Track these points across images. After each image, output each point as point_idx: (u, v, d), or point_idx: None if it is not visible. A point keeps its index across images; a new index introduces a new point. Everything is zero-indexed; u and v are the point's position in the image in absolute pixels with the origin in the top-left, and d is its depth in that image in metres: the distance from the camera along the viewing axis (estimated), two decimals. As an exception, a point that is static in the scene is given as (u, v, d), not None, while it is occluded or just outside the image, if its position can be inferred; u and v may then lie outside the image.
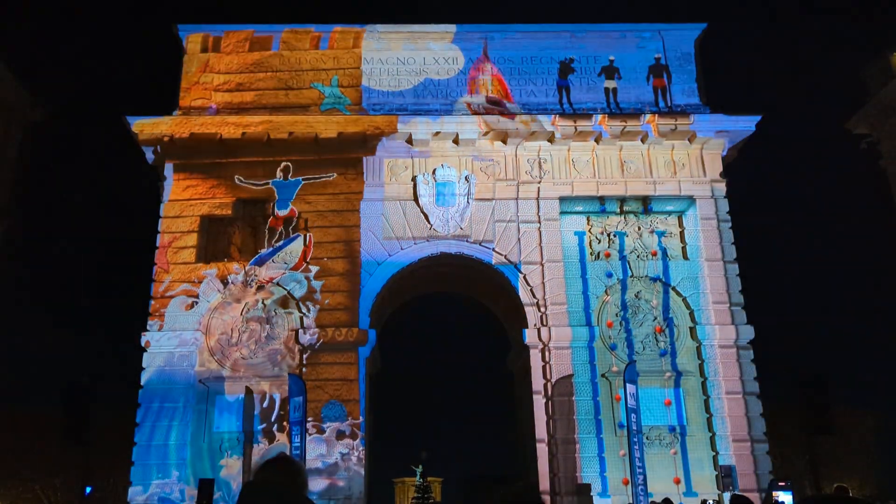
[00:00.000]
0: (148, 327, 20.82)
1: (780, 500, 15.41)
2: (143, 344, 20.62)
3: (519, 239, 21.95)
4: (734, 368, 20.81)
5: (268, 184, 22.08)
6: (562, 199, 22.20)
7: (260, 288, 21.30)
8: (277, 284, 21.34)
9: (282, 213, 21.92)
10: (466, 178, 22.32)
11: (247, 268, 21.37)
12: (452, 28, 23.90)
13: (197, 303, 21.06)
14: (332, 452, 20.14)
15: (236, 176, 22.11)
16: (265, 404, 20.42)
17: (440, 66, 23.62)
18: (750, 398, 20.62)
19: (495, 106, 22.82)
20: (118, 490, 25.46)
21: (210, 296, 21.16)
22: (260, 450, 19.76)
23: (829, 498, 5.38)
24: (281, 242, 21.76)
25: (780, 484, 16.45)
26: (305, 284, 21.36)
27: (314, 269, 21.49)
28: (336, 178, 22.20)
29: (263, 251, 21.59)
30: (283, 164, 22.23)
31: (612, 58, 23.47)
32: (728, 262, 21.81)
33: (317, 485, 19.52)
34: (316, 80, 23.30)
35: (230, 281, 21.27)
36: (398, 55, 23.74)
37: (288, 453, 17.12)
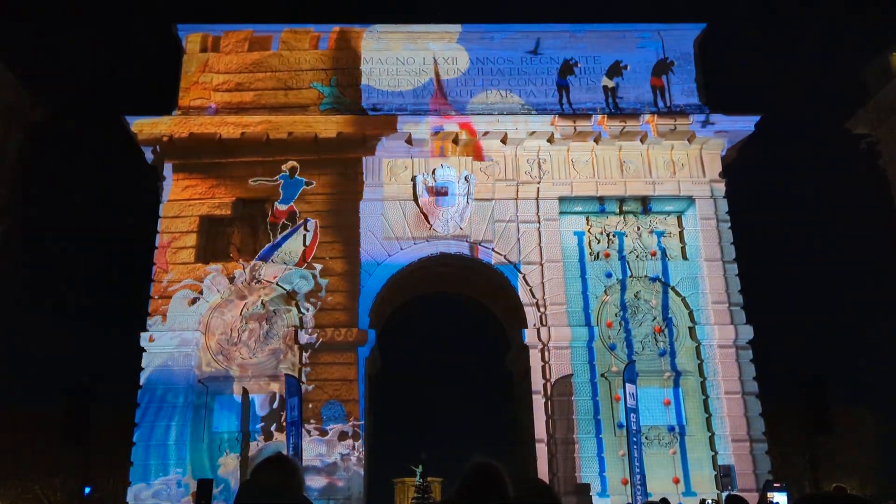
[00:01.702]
0: (148, 326, 20.81)
1: (775, 500, 15.39)
2: (142, 343, 20.61)
3: (518, 239, 21.93)
4: (733, 368, 20.82)
5: (277, 179, 22.07)
6: (561, 200, 22.19)
7: (264, 285, 21.28)
8: (279, 284, 21.31)
9: (282, 207, 21.90)
10: (466, 178, 22.30)
11: (253, 262, 21.33)
12: (453, 28, 23.86)
13: (199, 298, 21.03)
14: (332, 452, 20.13)
15: (251, 179, 21.98)
16: (266, 404, 20.44)
17: (440, 66, 23.58)
18: (749, 398, 20.62)
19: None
20: (118, 490, 25.44)
21: (212, 293, 21.15)
22: (257, 448, 19.78)
23: (826, 496, 5.37)
24: (287, 232, 21.71)
25: (775, 485, 16.44)
26: (312, 281, 21.34)
27: (318, 266, 21.48)
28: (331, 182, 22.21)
29: (269, 245, 21.54)
30: (290, 162, 22.16)
31: (621, 62, 23.35)
32: (727, 262, 21.81)
33: (316, 484, 19.53)
34: (315, 80, 23.28)
35: (236, 277, 21.25)
36: (398, 55, 23.70)
37: (285, 452, 17.17)
